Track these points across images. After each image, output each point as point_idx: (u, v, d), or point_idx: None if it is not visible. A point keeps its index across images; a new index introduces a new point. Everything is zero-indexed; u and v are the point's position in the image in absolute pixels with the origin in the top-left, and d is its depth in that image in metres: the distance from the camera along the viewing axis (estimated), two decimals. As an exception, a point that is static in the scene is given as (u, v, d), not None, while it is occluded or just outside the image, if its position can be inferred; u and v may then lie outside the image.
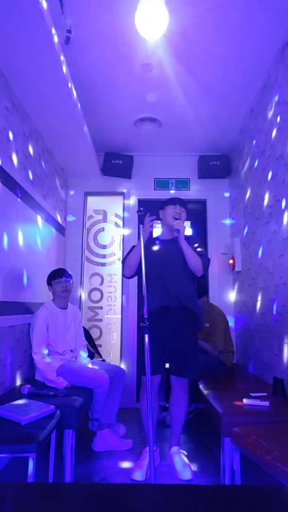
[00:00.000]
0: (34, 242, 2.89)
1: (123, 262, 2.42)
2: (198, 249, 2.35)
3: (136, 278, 2.47)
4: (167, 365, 2.36)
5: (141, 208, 2.08)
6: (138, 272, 2.33)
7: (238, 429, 1.69)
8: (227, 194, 4.05)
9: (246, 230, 3.37)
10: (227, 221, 4.01)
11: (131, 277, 2.41)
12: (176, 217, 2.32)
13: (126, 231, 4.02)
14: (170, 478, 2.12)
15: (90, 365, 2.67)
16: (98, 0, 2.14)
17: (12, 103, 2.46)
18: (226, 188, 4.06)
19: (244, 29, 2.33)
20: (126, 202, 4.07)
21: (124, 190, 4.09)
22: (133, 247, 2.40)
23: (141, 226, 2.04)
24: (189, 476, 2.10)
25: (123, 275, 2.43)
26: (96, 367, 2.64)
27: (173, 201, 2.40)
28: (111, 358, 3.92)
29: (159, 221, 2.45)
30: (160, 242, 2.40)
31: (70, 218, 4.00)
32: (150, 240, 2.41)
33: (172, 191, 4.03)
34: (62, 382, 2.39)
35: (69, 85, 2.46)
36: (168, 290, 2.23)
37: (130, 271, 2.35)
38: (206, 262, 2.31)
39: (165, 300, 2.22)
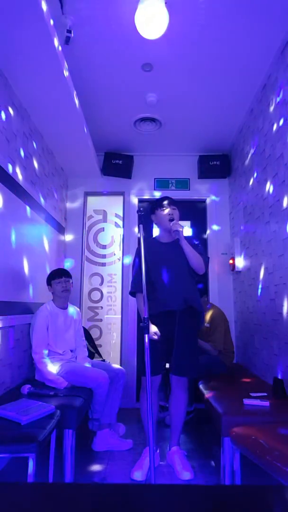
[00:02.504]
0: (34, 242, 2.89)
1: (132, 293, 2.41)
2: (199, 246, 2.36)
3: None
4: (167, 365, 2.37)
5: (141, 208, 2.08)
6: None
7: (238, 429, 1.69)
8: (227, 194, 4.05)
9: (246, 230, 3.37)
10: (227, 221, 4.01)
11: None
12: (171, 218, 2.30)
13: (126, 231, 4.02)
14: (170, 478, 2.12)
15: (88, 365, 2.67)
16: (98, 0, 2.14)
17: (12, 103, 2.46)
18: (226, 188, 4.06)
19: (244, 29, 2.33)
20: (126, 202, 4.07)
21: (124, 190, 4.09)
22: (134, 269, 2.39)
23: (141, 226, 2.04)
24: (189, 476, 2.10)
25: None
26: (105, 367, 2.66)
27: (161, 203, 2.36)
28: (111, 358, 3.92)
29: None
30: (160, 246, 2.39)
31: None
32: (151, 245, 2.41)
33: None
34: (62, 382, 2.38)
35: (69, 85, 2.46)
36: (175, 294, 2.24)
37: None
38: (206, 260, 2.32)
39: (172, 304, 2.24)
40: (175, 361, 2.25)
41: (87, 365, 2.65)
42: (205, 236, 4.03)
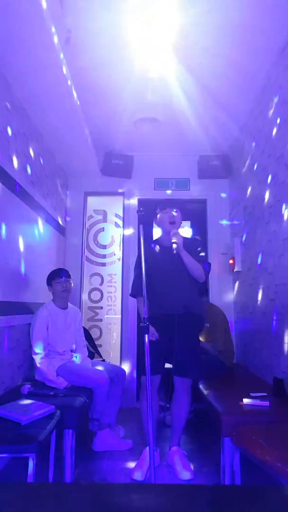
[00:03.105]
0: (34, 242, 2.89)
1: (132, 296, 2.41)
2: (201, 254, 2.34)
3: None
4: (167, 365, 2.36)
5: (141, 208, 2.07)
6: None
7: (238, 429, 1.69)
8: (227, 194, 4.05)
9: (246, 230, 3.37)
10: (227, 221, 4.01)
11: None
12: (171, 221, 2.29)
13: (126, 231, 4.02)
14: (170, 478, 2.12)
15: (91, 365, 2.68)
16: (98, 0, 2.14)
17: (12, 103, 2.46)
18: (226, 188, 4.06)
19: (244, 29, 2.33)
20: (126, 202, 4.07)
21: (124, 190, 4.08)
22: (136, 271, 2.37)
23: (141, 226, 2.03)
24: (189, 476, 2.10)
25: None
26: (100, 367, 2.65)
27: (164, 206, 2.35)
28: (111, 358, 3.92)
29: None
30: (161, 248, 2.38)
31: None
32: (151, 247, 2.40)
33: (168, 191, 4.03)
34: (62, 382, 2.39)
35: (69, 85, 2.46)
36: (174, 298, 2.24)
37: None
38: (206, 268, 2.29)
39: (171, 308, 2.23)
40: (178, 363, 2.24)
41: (87, 365, 2.65)
42: (205, 236, 4.03)
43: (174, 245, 2.18)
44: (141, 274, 1.93)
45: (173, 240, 2.19)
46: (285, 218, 2.40)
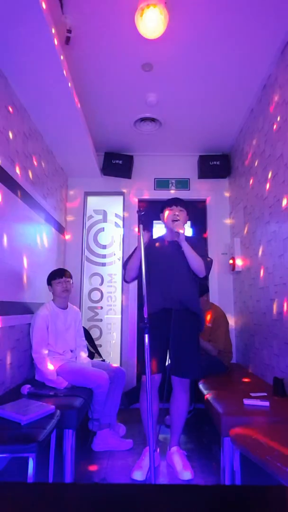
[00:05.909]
0: (34, 242, 2.89)
1: (124, 266, 2.40)
2: (204, 250, 2.36)
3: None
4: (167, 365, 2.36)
5: (141, 208, 2.08)
6: (139, 276, 2.31)
7: (238, 429, 1.69)
8: (227, 194, 4.05)
9: (246, 230, 3.37)
10: (227, 221, 4.01)
11: (132, 281, 2.39)
12: (175, 219, 2.30)
13: (126, 231, 4.02)
14: (170, 478, 2.12)
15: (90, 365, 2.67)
16: (98, 0, 2.14)
17: (12, 103, 2.46)
18: (226, 188, 4.06)
19: (244, 29, 2.33)
20: (126, 202, 4.07)
21: (124, 190, 4.09)
22: (135, 250, 2.39)
23: (141, 226, 2.04)
24: (189, 476, 2.10)
25: (124, 280, 2.43)
26: (100, 367, 2.65)
27: (170, 202, 2.38)
28: (111, 358, 3.92)
29: (159, 221, 2.45)
30: (162, 243, 2.39)
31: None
32: (153, 242, 2.41)
33: (172, 191, 4.03)
34: (62, 382, 2.39)
35: (69, 85, 2.46)
36: (171, 292, 2.23)
37: (131, 275, 2.34)
38: (208, 263, 2.30)
39: (168, 302, 2.23)
40: (176, 362, 2.24)
41: (87, 365, 2.65)
42: (205, 236, 4.03)
43: (177, 228, 2.22)
44: (141, 274, 1.93)
45: (175, 229, 2.24)
46: (285, 218, 2.40)
